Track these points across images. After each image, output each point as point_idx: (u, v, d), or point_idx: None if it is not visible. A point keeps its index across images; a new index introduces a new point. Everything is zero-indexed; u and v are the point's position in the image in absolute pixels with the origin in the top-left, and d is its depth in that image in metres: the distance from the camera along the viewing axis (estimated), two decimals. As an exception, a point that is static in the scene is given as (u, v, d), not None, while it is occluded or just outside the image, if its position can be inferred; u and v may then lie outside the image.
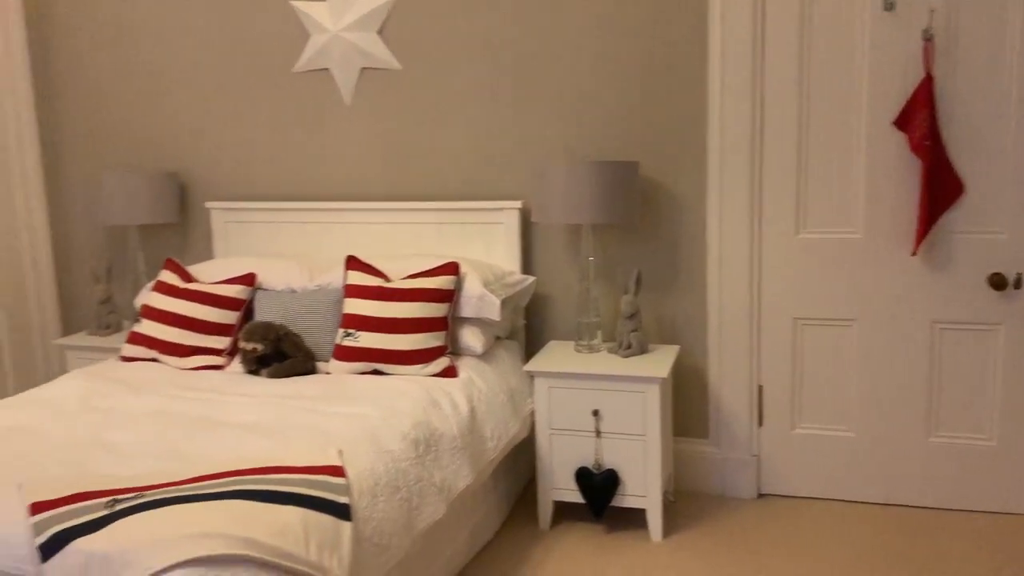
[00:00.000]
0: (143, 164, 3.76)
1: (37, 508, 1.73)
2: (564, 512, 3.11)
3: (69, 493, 1.80)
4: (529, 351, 3.38)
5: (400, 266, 3.05)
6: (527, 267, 3.35)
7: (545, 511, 3.01)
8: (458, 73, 3.31)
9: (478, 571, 2.72)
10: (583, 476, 2.92)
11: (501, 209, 3.26)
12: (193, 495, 1.80)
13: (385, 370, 2.83)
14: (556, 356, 3.07)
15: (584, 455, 2.93)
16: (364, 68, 3.41)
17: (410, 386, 2.66)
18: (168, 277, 3.18)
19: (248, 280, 3.14)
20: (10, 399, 2.62)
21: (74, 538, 1.64)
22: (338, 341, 2.88)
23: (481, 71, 3.28)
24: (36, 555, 1.64)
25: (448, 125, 3.35)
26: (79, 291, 3.98)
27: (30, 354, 3.86)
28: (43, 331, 3.90)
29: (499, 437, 2.78)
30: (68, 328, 4.02)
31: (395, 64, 3.36)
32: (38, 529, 1.68)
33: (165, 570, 1.57)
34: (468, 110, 3.32)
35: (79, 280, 3.97)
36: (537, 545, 2.89)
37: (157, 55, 3.67)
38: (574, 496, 2.96)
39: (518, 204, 3.23)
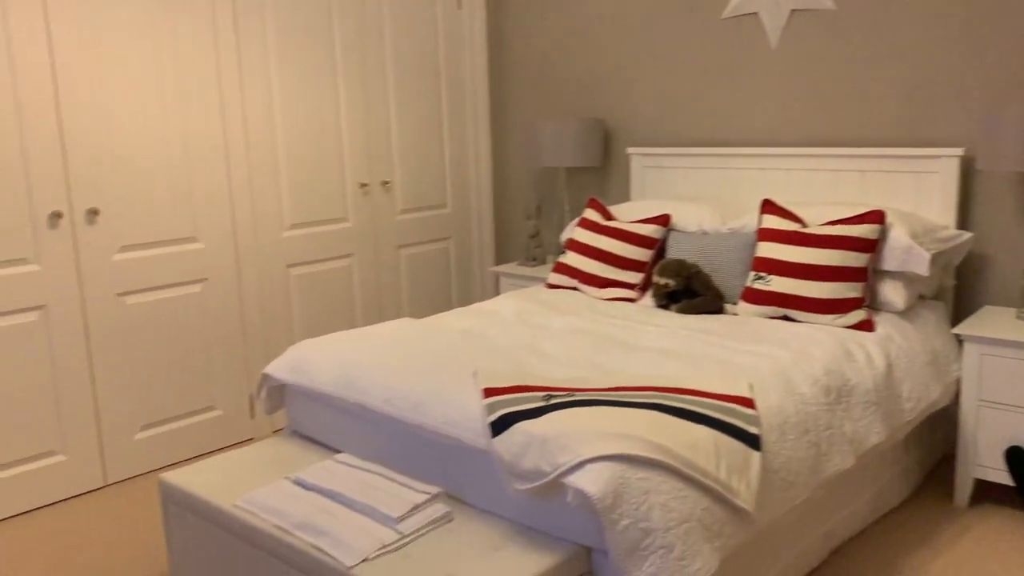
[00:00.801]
0: (574, 112, 4.08)
1: (489, 393, 2.02)
2: (985, 492, 2.82)
3: (513, 384, 2.07)
4: (957, 315, 3.08)
5: (818, 212, 2.95)
6: (963, 223, 3.04)
7: (964, 487, 2.75)
8: (902, 9, 3.06)
9: (880, 535, 2.59)
10: (1015, 456, 2.61)
11: (937, 157, 2.98)
12: (616, 401, 1.97)
13: (795, 317, 2.78)
14: (992, 322, 2.76)
15: (1018, 433, 2.62)
16: (794, 10, 3.32)
17: (822, 335, 2.59)
18: (591, 215, 3.44)
19: (663, 221, 3.28)
20: (461, 309, 3.07)
21: (518, 421, 1.89)
22: (748, 284, 2.89)
23: (928, 5, 3.00)
24: (488, 431, 1.92)
25: (882, 66, 3.13)
26: (512, 226, 4.47)
27: (469, 277, 4.44)
28: (481, 259, 4.46)
29: (917, 399, 2.60)
30: (500, 258, 4.55)
31: (828, 4, 3.22)
32: (489, 410, 1.96)
33: (593, 459, 1.75)
34: (908, 49, 3.07)
35: (513, 216, 4.46)
36: (950, 522, 2.66)
37: (596, 11, 3.93)
38: (999, 476, 2.67)
39: (959, 151, 2.93)
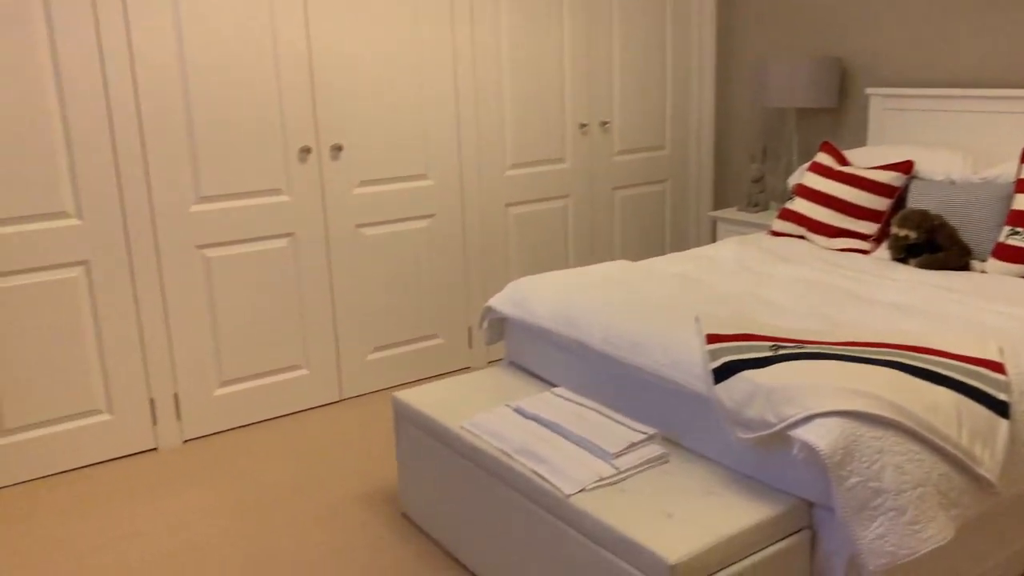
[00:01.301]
0: (808, 49, 3.85)
1: (712, 339, 2.00)
2: None
3: (738, 332, 2.03)
4: None
5: (1095, 162, 2.62)
6: None
7: None
8: None
9: None
10: None
11: None
12: (848, 356, 1.88)
13: (1057, 277, 2.51)
14: None
15: None
16: (1081, -71, 2.91)
17: (1090, 298, 2.32)
18: (824, 159, 3.26)
19: (905, 168, 3.04)
20: (676, 254, 3.03)
21: (742, 369, 1.86)
22: (1001, 239, 2.64)
23: None
24: (710, 377, 1.90)
25: None
26: (733, 169, 4.32)
27: (685, 221, 4.36)
28: (698, 203, 4.36)
29: None
30: (720, 201, 4.43)
31: None
32: (712, 356, 1.94)
33: (822, 414, 1.69)
34: None
35: (735, 158, 4.31)
36: None
37: (836, -64, 3.65)
38: None
39: None
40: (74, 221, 2.76)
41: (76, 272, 2.79)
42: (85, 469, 2.90)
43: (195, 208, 2.97)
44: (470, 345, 3.72)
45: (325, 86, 3.15)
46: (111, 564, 2.34)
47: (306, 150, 3.14)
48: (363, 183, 3.31)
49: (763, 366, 1.85)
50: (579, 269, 2.77)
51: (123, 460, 2.96)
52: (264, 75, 3.01)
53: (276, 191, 3.12)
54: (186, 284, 2.99)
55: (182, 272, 2.97)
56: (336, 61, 3.15)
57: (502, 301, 2.65)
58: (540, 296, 2.54)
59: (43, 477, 2.84)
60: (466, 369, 3.72)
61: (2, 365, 2.70)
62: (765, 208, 3.93)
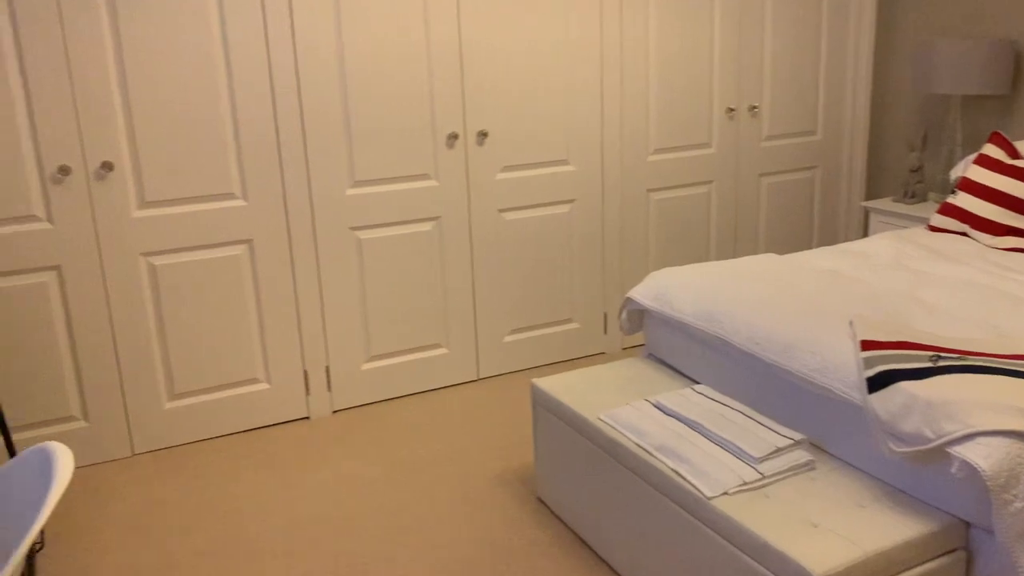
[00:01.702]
0: (978, 30, 3.60)
1: (867, 345, 1.93)
2: None
3: (895, 339, 1.95)
4: None
5: None
6: None
7: None
8: None
9: None
10: None
11: None
12: (1016, 370, 1.78)
13: None
14: None
15: None
16: None
17: None
18: (992, 151, 3.06)
19: (1086, 162, 2.82)
20: (826, 248, 2.93)
21: (899, 380, 1.79)
22: None
23: None
24: (864, 386, 1.85)
25: None
26: (890, 157, 4.12)
27: (835, 211, 4.20)
28: (850, 191, 4.18)
29: None
30: (872, 192, 4.23)
31: None
32: (867, 364, 1.88)
33: (985, 433, 1.61)
34: None
35: (891, 146, 4.10)
36: None
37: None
38: None
39: None
40: (240, 203, 2.94)
41: (241, 250, 2.98)
42: (244, 433, 3.11)
43: (350, 192, 3.11)
44: (605, 331, 3.73)
45: (474, 74, 3.20)
46: (265, 526, 2.52)
47: (453, 136, 3.21)
48: (506, 168, 3.36)
49: (922, 377, 1.78)
50: (723, 262, 2.73)
51: (278, 427, 3.16)
52: (417, 65, 3.10)
53: (424, 176, 3.22)
54: (339, 264, 3.14)
55: (336, 252, 3.12)
56: (485, 49, 3.20)
57: (642, 293, 2.64)
58: (682, 289, 2.52)
59: (207, 439, 3.07)
60: (600, 355, 3.74)
61: (174, 335, 2.93)
62: (923, 200, 3.73)
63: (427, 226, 3.27)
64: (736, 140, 3.83)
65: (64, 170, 2.64)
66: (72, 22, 2.59)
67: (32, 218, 2.67)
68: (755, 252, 4.01)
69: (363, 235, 3.16)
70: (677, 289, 2.54)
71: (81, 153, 2.68)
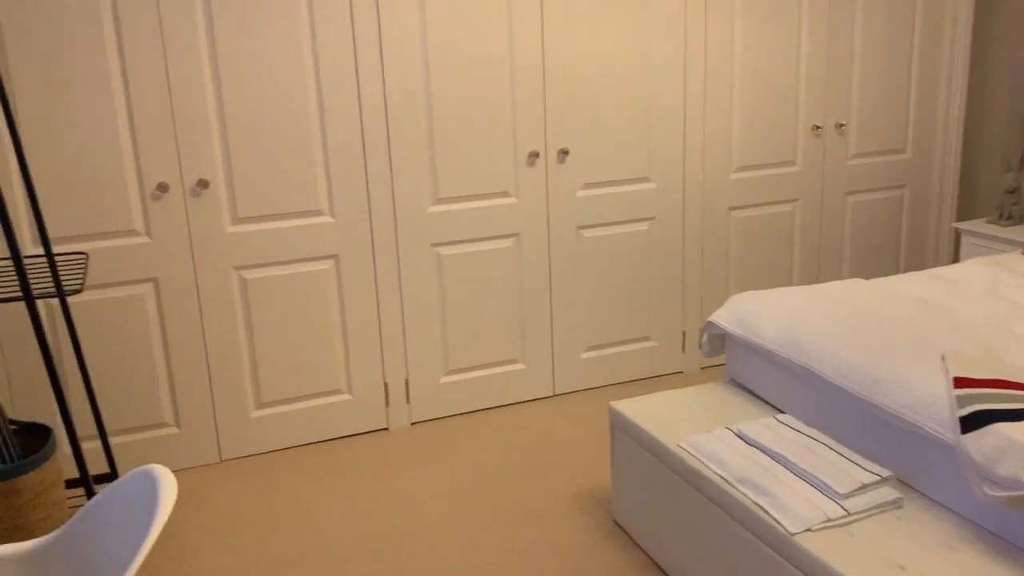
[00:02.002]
0: (1083, 46, 3.45)
1: (960, 383, 1.87)
2: None
3: (990, 377, 1.89)
4: None
5: None
6: None
7: None
8: None
9: None
10: None
11: None
12: (1123, 416, 1.70)
13: None
14: None
15: None
16: None
17: None
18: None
19: None
20: (916, 273, 2.84)
21: (995, 420, 1.74)
22: None
23: None
24: (957, 425, 1.79)
25: None
26: (983, 177, 3.98)
27: (923, 232, 4.07)
28: (940, 212, 4.05)
29: None
30: (964, 213, 4.09)
31: None
32: (960, 403, 1.82)
33: (1089, 482, 1.55)
34: None
35: (985, 166, 3.96)
36: None
37: None
38: None
39: None
40: (328, 219, 3.02)
41: (327, 265, 3.06)
42: (325, 443, 3.19)
43: (432, 209, 3.16)
44: (683, 350, 3.70)
45: (556, 92, 3.22)
46: (342, 535, 2.58)
47: (534, 154, 3.24)
48: (586, 186, 3.37)
49: (1020, 419, 1.72)
50: (808, 287, 2.68)
51: (358, 437, 3.23)
52: (499, 84, 3.14)
53: (505, 193, 3.25)
54: (420, 279, 3.19)
55: (417, 268, 3.18)
56: (567, 67, 3.22)
57: (724, 317, 2.62)
58: (766, 315, 2.49)
59: (290, 448, 3.16)
60: (678, 374, 3.71)
61: (262, 345, 3.03)
62: (1020, 222, 3.59)
63: (506, 243, 3.30)
64: (822, 158, 3.75)
65: (163, 187, 2.76)
66: (173, 46, 2.71)
67: (132, 232, 2.79)
68: (839, 273, 3.92)
69: (444, 251, 3.21)
70: (760, 314, 2.50)
71: (179, 171, 2.80)
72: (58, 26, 2.59)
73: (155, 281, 2.85)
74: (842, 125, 3.74)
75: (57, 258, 2.58)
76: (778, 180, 3.70)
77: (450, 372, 3.33)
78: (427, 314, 3.24)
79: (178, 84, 2.74)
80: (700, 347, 2.73)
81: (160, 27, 2.69)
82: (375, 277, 3.13)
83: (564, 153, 3.29)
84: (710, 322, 2.67)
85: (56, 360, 2.78)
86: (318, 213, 3.01)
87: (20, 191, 2.66)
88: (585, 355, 3.54)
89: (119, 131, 2.71)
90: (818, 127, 3.70)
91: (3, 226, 1.95)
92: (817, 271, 3.88)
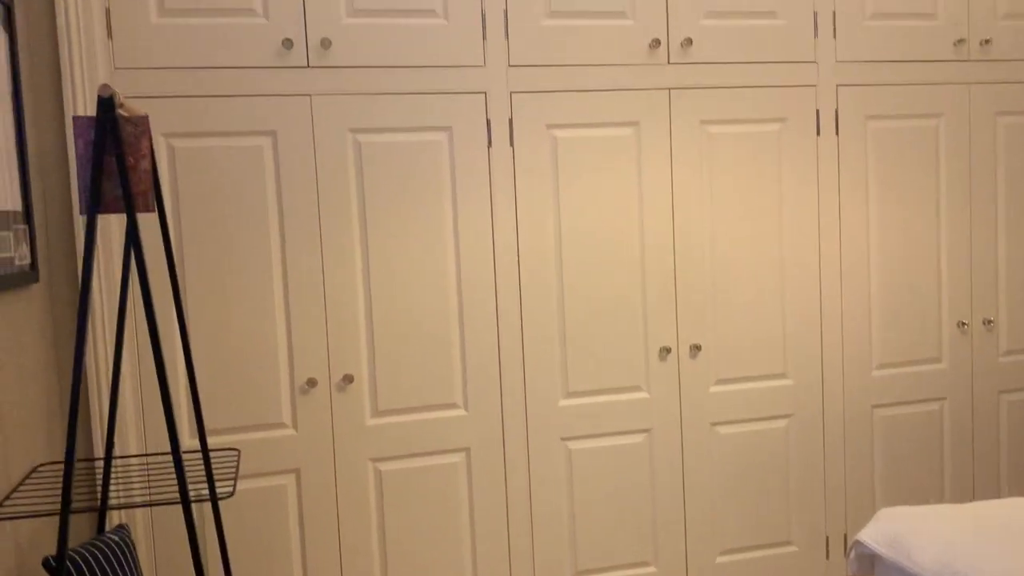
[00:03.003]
0: None
1: None
2: None
3: None
4: None
5: None
6: None
7: None
8: None
9: None
10: None
11: None
12: None
13: None
14: None
15: None
16: None
17: None
18: None
19: None
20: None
21: None
22: None
23: None
24: None
25: None
26: None
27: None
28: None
29: None
30: None
31: None
32: None
33: None
34: None
35: None
36: None
37: None
38: None
39: None
40: (461, 412, 3.10)
41: (459, 458, 3.10)
42: (450, 641, 3.12)
43: (563, 402, 3.19)
44: (828, 556, 3.47)
45: (687, 286, 3.26)
46: None
47: (666, 350, 3.25)
48: (720, 381, 3.33)
49: None
50: (965, 506, 2.50)
51: (482, 637, 3.14)
52: (631, 277, 3.21)
53: (636, 388, 3.25)
54: (549, 473, 3.18)
55: (546, 461, 3.18)
56: (699, 261, 3.27)
57: (873, 536, 2.46)
58: (921, 537, 2.32)
59: (415, 644, 3.11)
60: (821, 582, 3.47)
61: (393, 535, 3.05)
62: None
63: (638, 438, 3.26)
64: (970, 355, 3.59)
65: (311, 382, 2.92)
66: (330, 248, 2.94)
67: (280, 425, 2.94)
68: (996, 483, 3.64)
69: (573, 445, 3.21)
70: (914, 536, 2.34)
71: (327, 367, 2.96)
72: (228, 228, 2.87)
73: (297, 472, 2.96)
74: (990, 321, 3.58)
75: (211, 454, 2.74)
76: (923, 378, 3.54)
77: (579, 573, 3.24)
78: (556, 510, 3.19)
79: (332, 284, 2.95)
80: (847, 568, 2.56)
81: (320, 231, 2.93)
82: (504, 471, 3.14)
83: (697, 348, 3.28)
84: (857, 540, 2.51)
85: (200, 552, 2.89)
86: (453, 406, 3.09)
87: (183, 382, 2.87)
88: (721, 559, 3.37)
89: (277, 328, 2.91)
90: (964, 323, 3.56)
91: (168, 425, 2.09)
92: (972, 481, 3.61)
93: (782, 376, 3.40)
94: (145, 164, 2.14)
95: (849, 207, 3.41)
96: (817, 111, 3.36)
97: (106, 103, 2.03)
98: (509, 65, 3.08)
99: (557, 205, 3.15)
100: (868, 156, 3.43)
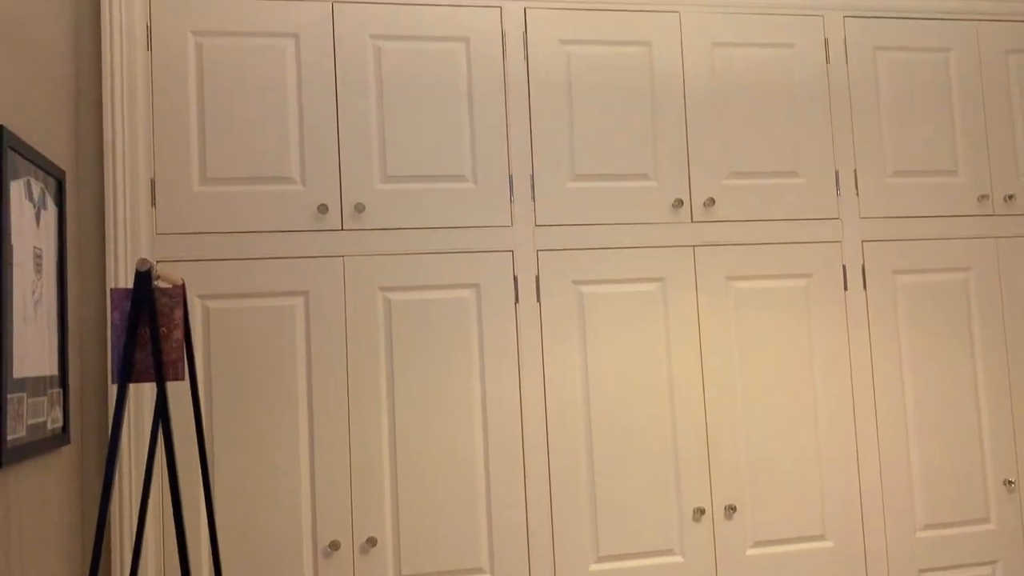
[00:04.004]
0: None
1: None
2: None
3: None
4: None
5: None
6: None
7: None
8: None
9: None
10: None
11: None
12: None
13: None
14: None
15: None
16: None
17: None
18: None
19: None
20: None
21: None
22: None
23: None
24: None
25: None
26: None
27: None
28: None
29: None
30: None
31: None
32: None
33: None
34: None
35: None
36: None
37: None
38: None
39: None
40: (487, 576, 3.01)
41: (485, 626, 2.99)
42: None
43: (593, 567, 3.07)
44: None
45: (719, 443, 3.20)
46: None
47: (700, 510, 3.15)
48: (756, 544, 3.20)
49: None
50: None
51: None
52: (661, 434, 3.16)
53: (669, 551, 3.14)
54: (580, 643, 3.04)
55: (577, 631, 3.04)
56: (732, 420, 3.21)
57: None
58: None
59: None
60: None
61: None
62: None
63: (673, 605, 3.12)
64: (1020, 515, 3.43)
65: (334, 545, 2.86)
66: (357, 405, 2.95)
67: (302, 590, 2.87)
68: (1062, 653, 3.40)
69: (605, 613, 3.08)
70: None
71: (351, 529, 2.90)
72: (257, 387, 2.89)
73: (316, 640, 2.87)
74: (1039, 479, 3.45)
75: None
76: (972, 539, 3.38)
77: None
78: None
79: (357, 443, 2.93)
80: None
81: (347, 389, 2.94)
82: (533, 641, 3.01)
83: (731, 509, 3.18)
84: None
85: None
86: (479, 571, 2.99)
87: (206, 548, 2.83)
88: None
89: (301, 489, 2.88)
90: (1011, 482, 3.42)
91: (187, 598, 2.05)
92: (1034, 648, 3.39)
93: (821, 538, 3.26)
94: (178, 334, 2.20)
95: (881, 361, 3.37)
96: (844, 267, 3.37)
97: (143, 276, 2.11)
98: (536, 225, 3.16)
99: (584, 360, 3.15)
100: (898, 310, 3.41)
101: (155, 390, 2.73)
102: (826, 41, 3.44)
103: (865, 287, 3.38)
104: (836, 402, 3.32)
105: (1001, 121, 3.56)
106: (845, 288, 3.37)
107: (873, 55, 3.47)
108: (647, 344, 3.21)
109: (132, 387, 2.68)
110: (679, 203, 3.24)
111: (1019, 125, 3.58)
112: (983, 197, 3.50)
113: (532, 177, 3.16)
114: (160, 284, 2.21)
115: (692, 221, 3.27)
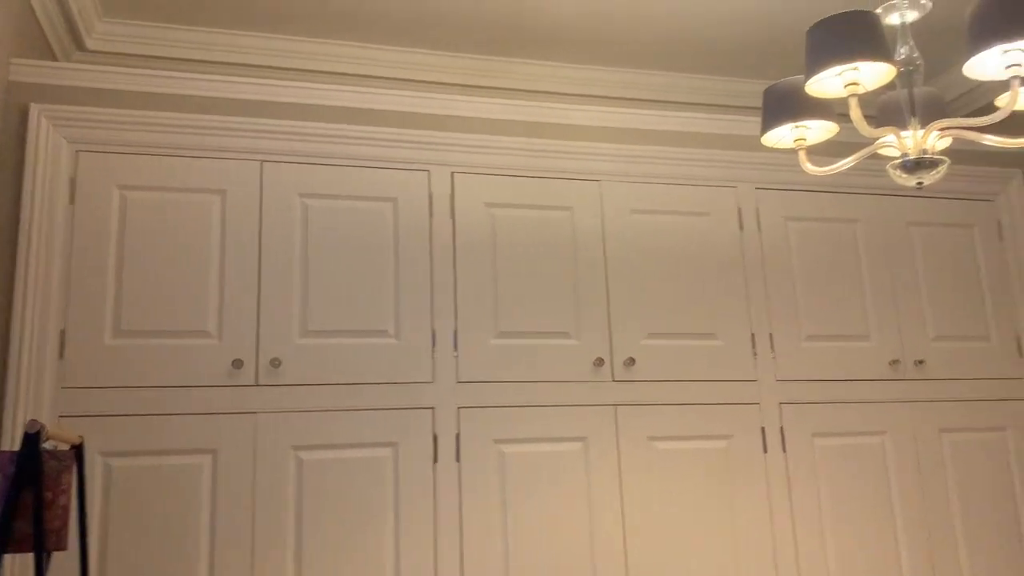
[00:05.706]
0: None
1: None
2: None
3: None
4: None
5: None
6: None
7: None
8: None
9: None
10: None
11: None
12: None
13: None
14: None
15: None
16: None
17: None
18: None
19: None
20: None
21: None
22: None
23: None
24: None
25: None
26: None
27: None
28: None
29: None
30: None
31: None
32: None
33: None
34: None
35: None
36: None
37: None
38: None
39: None
40: None
41: None
42: None
43: None
44: None
45: (642, 616, 3.10)
46: None
47: None
48: None
49: None
50: None
51: None
52: (582, 607, 3.05)
53: None
54: None
55: None
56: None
57: None
58: None
59: None
60: None
61: None
62: None
63: None
64: None
65: None
66: (262, 572, 2.80)
67: None
68: None
69: None
70: None
71: None
72: (156, 553, 2.74)
73: None
74: (966, 649, 3.38)
75: None
76: None
77: None
78: None
79: (260, 613, 2.77)
80: None
81: (252, 556, 2.80)
82: None
83: None
84: None
85: None
86: None
87: None
88: None
89: (194, 664, 2.69)
90: (938, 652, 3.35)
91: None
92: None
93: None
94: (63, 500, 2.09)
95: (803, 522, 3.34)
96: (763, 428, 3.40)
97: (31, 439, 2.02)
98: (457, 381, 3.14)
99: (504, 522, 3.07)
100: (818, 473, 3.42)
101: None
102: (739, 210, 3.60)
103: (784, 449, 3.40)
104: (758, 563, 3.26)
105: (909, 289, 3.72)
106: (765, 450, 3.38)
107: (784, 224, 3.64)
108: (568, 504, 3.14)
109: (16, 556, 2.52)
110: (600, 362, 3.27)
111: (925, 293, 3.74)
112: (895, 362, 3.60)
113: (455, 333, 3.18)
114: (50, 446, 2.12)
115: (613, 380, 3.29)
